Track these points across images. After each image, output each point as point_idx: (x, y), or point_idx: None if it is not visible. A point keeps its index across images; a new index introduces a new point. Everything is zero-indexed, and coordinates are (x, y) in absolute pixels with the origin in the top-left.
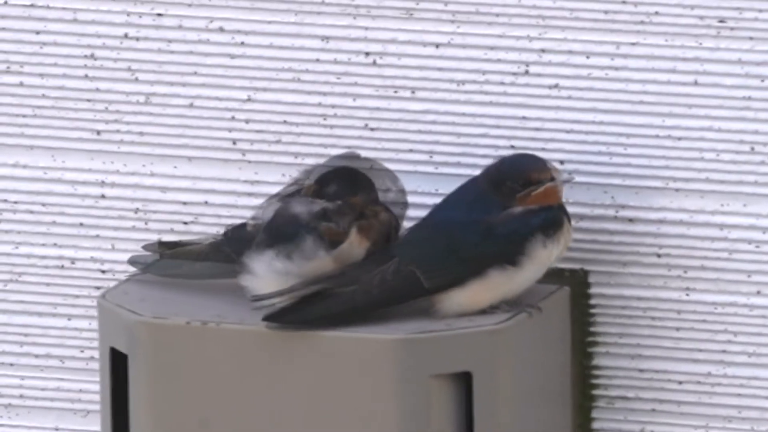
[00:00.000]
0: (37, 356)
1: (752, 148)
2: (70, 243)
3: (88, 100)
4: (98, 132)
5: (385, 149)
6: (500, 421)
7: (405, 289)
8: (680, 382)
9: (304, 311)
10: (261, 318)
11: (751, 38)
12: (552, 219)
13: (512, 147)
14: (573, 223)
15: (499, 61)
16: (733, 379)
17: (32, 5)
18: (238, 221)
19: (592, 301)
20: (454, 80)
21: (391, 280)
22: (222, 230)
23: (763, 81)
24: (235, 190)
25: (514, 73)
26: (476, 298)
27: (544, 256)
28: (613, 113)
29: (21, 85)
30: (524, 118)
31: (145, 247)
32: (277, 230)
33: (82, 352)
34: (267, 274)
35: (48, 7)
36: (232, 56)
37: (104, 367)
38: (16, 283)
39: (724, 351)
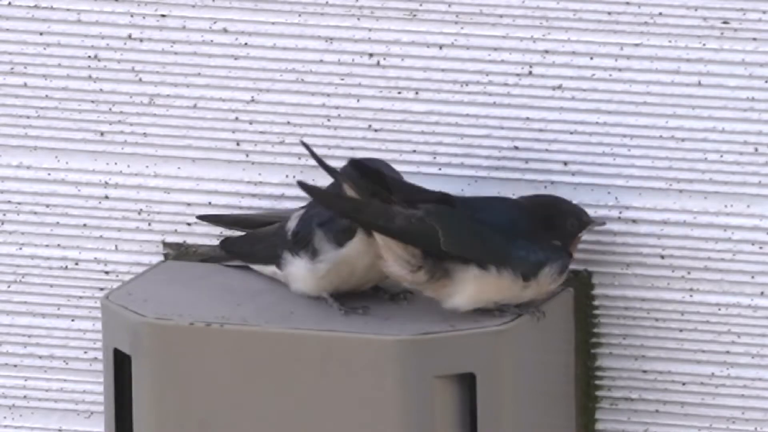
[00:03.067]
0: (40, 357)
1: (756, 149)
2: (74, 244)
3: (92, 101)
4: (102, 133)
5: (388, 150)
6: (504, 422)
7: (422, 236)
8: (684, 383)
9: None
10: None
11: (754, 39)
12: (565, 262)
13: (516, 148)
14: None
15: (502, 62)
16: (736, 380)
17: (36, 6)
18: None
19: (596, 302)
20: (457, 81)
21: (413, 223)
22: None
23: (766, 82)
24: (239, 191)
25: (518, 74)
26: (484, 289)
27: (545, 286)
28: (616, 114)
29: (25, 86)
30: (528, 119)
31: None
32: (300, 237)
33: (85, 353)
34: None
35: (52, 8)
36: (236, 57)
37: (108, 368)
38: (19, 284)
39: (727, 352)
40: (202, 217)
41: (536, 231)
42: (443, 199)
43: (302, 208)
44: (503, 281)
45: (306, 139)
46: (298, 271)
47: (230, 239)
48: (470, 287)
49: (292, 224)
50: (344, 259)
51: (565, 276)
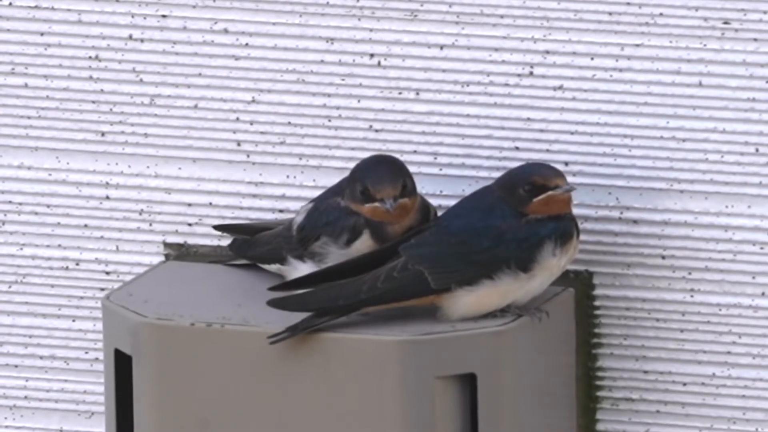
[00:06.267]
0: (41, 357)
1: (757, 150)
2: (75, 244)
3: (93, 102)
4: (103, 133)
5: (389, 150)
6: (504, 422)
7: (411, 286)
8: (684, 384)
9: (308, 300)
10: (266, 303)
11: (755, 39)
12: (562, 229)
13: (516, 148)
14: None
15: (503, 62)
16: (737, 380)
17: (37, 6)
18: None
19: (597, 303)
20: (458, 81)
21: (397, 277)
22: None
23: (767, 82)
24: (240, 192)
25: (519, 75)
26: (485, 301)
27: (554, 265)
28: (617, 114)
29: (26, 86)
30: (528, 119)
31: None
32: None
33: (86, 353)
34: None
35: (52, 9)
36: (237, 57)
37: (108, 369)
38: (20, 285)
39: (728, 352)
40: (218, 227)
41: (512, 213)
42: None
43: (311, 202)
44: (501, 287)
45: (307, 140)
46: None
47: (237, 242)
48: (471, 300)
49: (299, 218)
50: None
51: (575, 240)
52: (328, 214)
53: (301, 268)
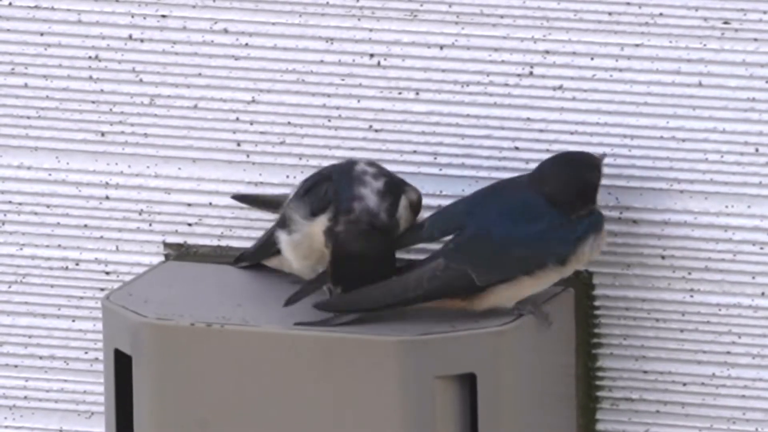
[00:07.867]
0: (41, 357)
1: (756, 150)
2: (75, 244)
3: (93, 102)
4: (102, 133)
5: (389, 150)
6: (504, 422)
7: (456, 283)
8: (684, 384)
9: (357, 300)
10: (313, 305)
11: (755, 39)
12: (595, 221)
13: (516, 148)
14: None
15: (503, 62)
16: (737, 380)
17: (36, 6)
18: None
19: (597, 303)
20: (458, 81)
21: (441, 276)
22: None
23: (767, 82)
24: (240, 192)
25: (519, 75)
26: (519, 293)
27: (587, 256)
28: (617, 114)
29: (25, 86)
30: (528, 119)
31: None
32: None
33: (86, 353)
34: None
35: (52, 9)
36: (236, 57)
37: (108, 369)
38: (20, 285)
39: (728, 352)
40: (237, 198)
41: (555, 212)
42: (457, 226)
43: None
44: (539, 280)
45: (307, 140)
46: (285, 248)
47: (238, 256)
48: (507, 293)
49: (291, 193)
50: (312, 230)
51: (604, 231)
52: (308, 181)
53: (282, 239)
